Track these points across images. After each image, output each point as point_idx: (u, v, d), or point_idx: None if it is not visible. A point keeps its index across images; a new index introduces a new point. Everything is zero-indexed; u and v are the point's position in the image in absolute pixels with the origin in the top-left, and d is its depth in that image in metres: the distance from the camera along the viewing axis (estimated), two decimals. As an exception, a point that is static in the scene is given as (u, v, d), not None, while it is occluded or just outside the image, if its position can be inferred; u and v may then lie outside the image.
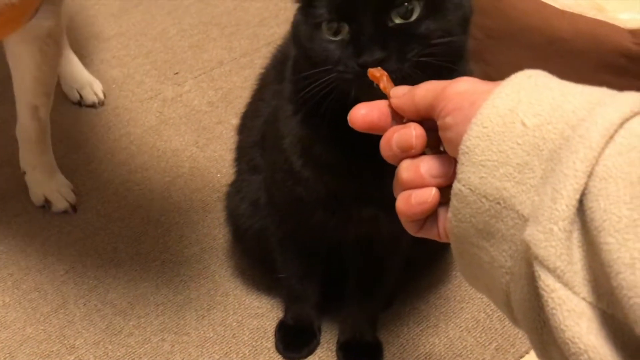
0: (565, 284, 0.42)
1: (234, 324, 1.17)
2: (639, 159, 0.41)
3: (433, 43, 0.70)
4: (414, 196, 0.52)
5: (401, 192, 0.53)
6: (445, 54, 0.71)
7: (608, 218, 0.40)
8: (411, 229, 0.55)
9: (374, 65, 0.67)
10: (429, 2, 0.70)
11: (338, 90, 0.73)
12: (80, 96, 1.50)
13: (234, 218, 1.15)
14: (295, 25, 0.78)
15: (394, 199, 0.54)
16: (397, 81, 0.61)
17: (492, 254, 0.47)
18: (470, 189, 0.47)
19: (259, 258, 1.16)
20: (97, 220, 1.30)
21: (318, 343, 1.14)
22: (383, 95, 0.58)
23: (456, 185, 0.48)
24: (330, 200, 0.92)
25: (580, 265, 0.42)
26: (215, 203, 1.32)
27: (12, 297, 1.19)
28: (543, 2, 1.27)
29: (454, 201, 0.49)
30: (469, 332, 1.16)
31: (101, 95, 1.51)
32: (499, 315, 1.17)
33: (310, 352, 1.13)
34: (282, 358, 1.13)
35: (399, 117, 0.55)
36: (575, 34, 1.23)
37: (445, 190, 0.51)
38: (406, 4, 0.70)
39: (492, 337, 1.15)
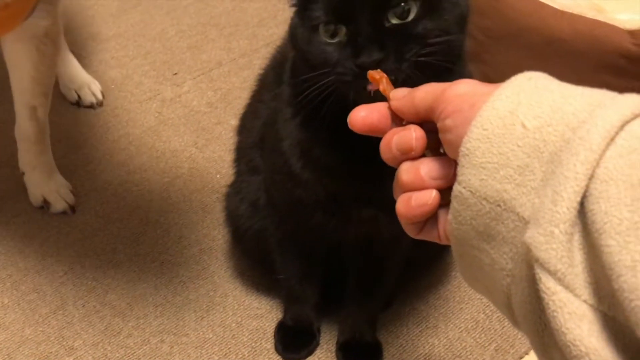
0: (566, 287, 0.42)
1: (233, 325, 1.16)
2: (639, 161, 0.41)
3: (431, 42, 0.70)
4: (414, 198, 0.52)
5: (401, 195, 0.53)
6: (444, 53, 0.71)
7: (609, 220, 0.40)
8: (411, 232, 0.54)
9: (372, 66, 0.67)
10: (425, 1, 0.71)
11: (337, 93, 0.73)
12: (79, 97, 1.50)
13: (233, 219, 1.15)
14: (293, 29, 0.78)
15: (393, 200, 0.55)
16: (396, 82, 0.61)
17: (493, 257, 0.47)
18: (471, 191, 0.47)
19: (259, 259, 1.16)
20: (95, 221, 1.30)
21: (317, 344, 1.14)
22: (382, 97, 0.58)
23: (456, 188, 0.48)
24: (330, 201, 0.92)
25: (581, 268, 0.42)
26: (215, 204, 1.32)
27: (11, 299, 1.19)
28: (542, 3, 1.27)
29: (454, 203, 0.49)
30: (469, 332, 1.16)
31: (100, 96, 1.51)
32: (498, 316, 1.17)
33: (310, 353, 1.13)
34: (281, 359, 1.13)
35: (398, 120, 0.55)
36: (574, 34, 1.23)
37: (445, 193, 0.51)
38: (403, 4, 0.70)
39: (491, 338, 1.15)
